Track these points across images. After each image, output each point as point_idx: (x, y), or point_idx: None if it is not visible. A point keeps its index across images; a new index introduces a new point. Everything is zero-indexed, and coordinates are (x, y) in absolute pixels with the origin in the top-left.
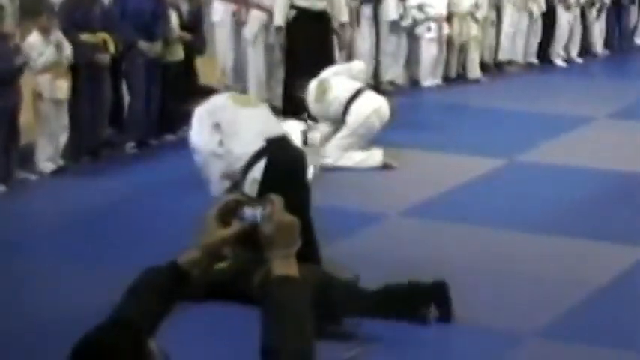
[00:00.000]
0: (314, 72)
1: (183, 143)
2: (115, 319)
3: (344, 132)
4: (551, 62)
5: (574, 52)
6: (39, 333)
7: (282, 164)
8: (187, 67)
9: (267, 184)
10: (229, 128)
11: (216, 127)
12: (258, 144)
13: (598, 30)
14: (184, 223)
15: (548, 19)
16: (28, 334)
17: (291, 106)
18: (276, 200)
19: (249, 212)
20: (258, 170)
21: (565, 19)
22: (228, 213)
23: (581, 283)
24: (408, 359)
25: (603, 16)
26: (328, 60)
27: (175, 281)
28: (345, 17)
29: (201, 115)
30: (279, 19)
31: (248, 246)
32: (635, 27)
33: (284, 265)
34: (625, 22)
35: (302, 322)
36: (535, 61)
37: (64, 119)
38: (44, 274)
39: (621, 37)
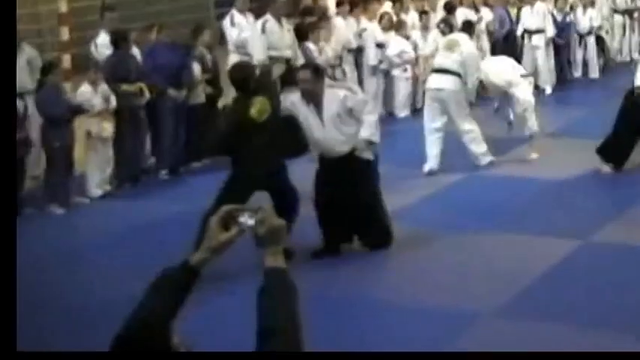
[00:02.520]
0: None
1: (206, 169)
2: (143, 317)
3: None
4: None
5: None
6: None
7: None
8: (209, 106)
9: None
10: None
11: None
12: None
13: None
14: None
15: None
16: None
17: None
18: (268, 208)
19: (245, 218)
20: None
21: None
22: (228, 220)
23: (525, 271)
24: (368, 341)
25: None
26: None
27: (188, 278)
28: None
29: None
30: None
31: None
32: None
33: (274, 259)
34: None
35: (290, 306)
36: None
37: (109, 153)
38: (98, 277)
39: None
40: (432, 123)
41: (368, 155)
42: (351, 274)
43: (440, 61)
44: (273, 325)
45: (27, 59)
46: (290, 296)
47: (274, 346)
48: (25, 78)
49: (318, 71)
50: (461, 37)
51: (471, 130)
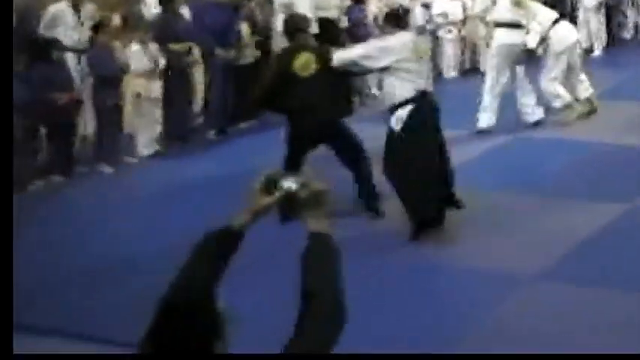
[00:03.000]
0: None
1: (254, 129)
2: (188, 281)
3: None
4: None
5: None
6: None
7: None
8: (258, 67)
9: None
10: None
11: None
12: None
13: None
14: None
15: None
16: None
17: None
18: (309, 172)
19: (287, 182)
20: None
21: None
22: (270, 183)
23: (572, 234)
24: (412, 303)
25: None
26: None
27: (231, 240)
28: None
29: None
30: None
31: (286, 209)
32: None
33: (317, 223)
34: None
35: (334, 269)
36: None
37: (158, 113)
38: (144, 232)
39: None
40: (502, 78)
41: None
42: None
43: (508, 15)
44: (316, 287)
45: (89, 16)
46: (334, 260)
47: (317, 309)
48: (84, 35)
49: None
50: None
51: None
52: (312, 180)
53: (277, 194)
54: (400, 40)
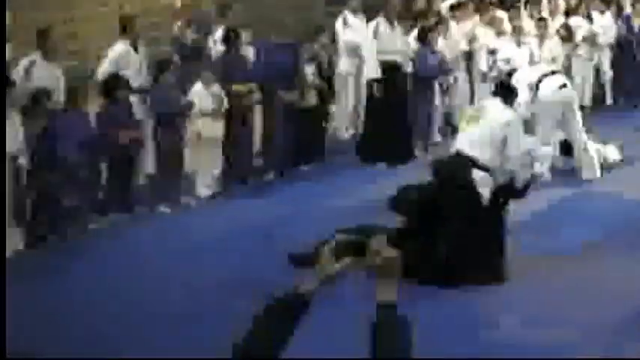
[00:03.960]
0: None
1: (314, 173)
2: (255, 346)
3: None
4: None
5: None
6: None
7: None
8: (321, 110)
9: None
10: None
11: None
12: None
13: None
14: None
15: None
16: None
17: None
18: (381, 238)
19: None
20: None
21: None
22: (342, 249)
23: None
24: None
25: None
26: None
27: (298, 308)
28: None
29: None
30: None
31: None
32: None
33: (387, 292)
34: None
35: (401, 343)
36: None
37: (219, 153)
38: (203, 278)
39: None
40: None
41: None
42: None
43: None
44: None
45: (144, 55)
46: (402, 333)
47: None
48: (143, 75)
49: None
50: None
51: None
52: (384, 246)
53: (347, 261)
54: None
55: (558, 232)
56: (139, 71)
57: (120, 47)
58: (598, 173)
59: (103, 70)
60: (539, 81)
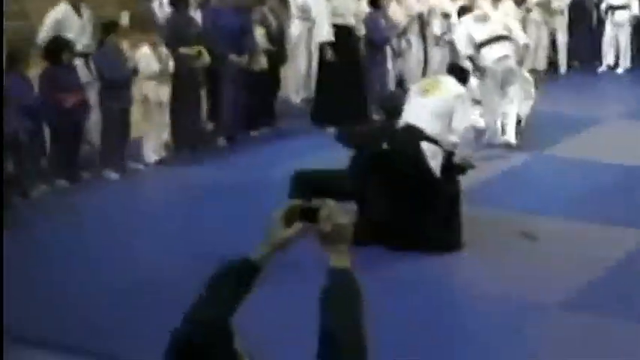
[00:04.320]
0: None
1: (265, 139)
2: (202, 314)
3: None
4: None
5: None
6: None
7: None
8: (271, 74)
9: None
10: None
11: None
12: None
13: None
14: (264, 202)
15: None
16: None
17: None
18: (333, 203)
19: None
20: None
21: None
22: (292, 215)
23: (596, 261)
24: (435, 330)
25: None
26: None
27: (248, 274)
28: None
29: None
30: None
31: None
32: None
33: (339, 258)
34: None
35: (355, 310)
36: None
37: (166, 118)
38: (148, 245)
39: None
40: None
41: None
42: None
43: (496, 28)
44: (336, 329)
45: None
46: (355, 300)
47: (336, 351)
48: (88, 38)
49: None
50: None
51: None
52: (335, 212)
53: (298, 226)
54: None
55: (510, 200)
56: (82, 34)
57: (61, 9)
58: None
59: (44, 33)
60: (482, 45)
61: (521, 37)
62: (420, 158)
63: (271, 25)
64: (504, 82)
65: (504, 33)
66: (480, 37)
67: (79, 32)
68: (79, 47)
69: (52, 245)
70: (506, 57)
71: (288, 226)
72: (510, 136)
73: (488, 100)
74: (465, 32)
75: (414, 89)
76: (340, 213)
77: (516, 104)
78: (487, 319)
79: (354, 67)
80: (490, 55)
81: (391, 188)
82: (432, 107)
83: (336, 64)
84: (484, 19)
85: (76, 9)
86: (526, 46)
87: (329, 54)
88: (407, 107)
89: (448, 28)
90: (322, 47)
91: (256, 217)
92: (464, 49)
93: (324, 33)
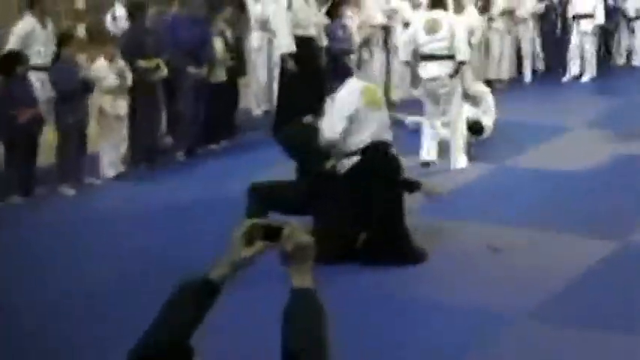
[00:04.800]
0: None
1: (225, 152)
2: (160, 333)
3: None
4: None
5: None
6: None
7: (371, 166)
8: (230, 86)
9: (351, 176)
10: (356, 125)
11: (348, 119)
12: (366, 142)
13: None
14: (224, 217)
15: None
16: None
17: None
18: (294, 223)
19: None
20: (350, 162)
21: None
22: (253, 233)
23: (561, 271)
24: (404, 340)
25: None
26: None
27: (208, 294)
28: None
29: (342, 103)
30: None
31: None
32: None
33: (301, 278)
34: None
35: (318, 329)
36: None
37: (124, 131)
38: (105, 263)
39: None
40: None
41: None
42: (380, 270)
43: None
44: (298, 349)
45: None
46: (318, 319)
47: None
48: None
49: None
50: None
51: None
52: (297, 231)
53: (258, 246)
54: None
55: (474, 211)
56: (48, 46)
57: (27, 23)
58: (465, 162)
59: (12, 45)
60: (421, 57)
61: (461, 53)
62: (399, 171)
63: (227, 36)
64: (441, 101)
65: (444, 53)
66: (422, 49)
67: (45, 44)
68: (45, 60)
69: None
70: (436, 79)
71: (249, 245)
72: (458, 161)
73: (427, 112)
74: (409, 39)
75: (358, 105)
76: (302, 232)
77: (459, 127)
78: (452, 332)
79: (316, 78)
80: (424, 72)
81: (360, 198)
82: (385, 119)
83: (297, 76)
84: (433, 30)
85: (41, 21)
86: (461, 63)
87: (290, 65)
88: (360, 124)
89: None
90: (283, 58)
91: (215, 232)
92: (403, 54)
93: (286, 44)
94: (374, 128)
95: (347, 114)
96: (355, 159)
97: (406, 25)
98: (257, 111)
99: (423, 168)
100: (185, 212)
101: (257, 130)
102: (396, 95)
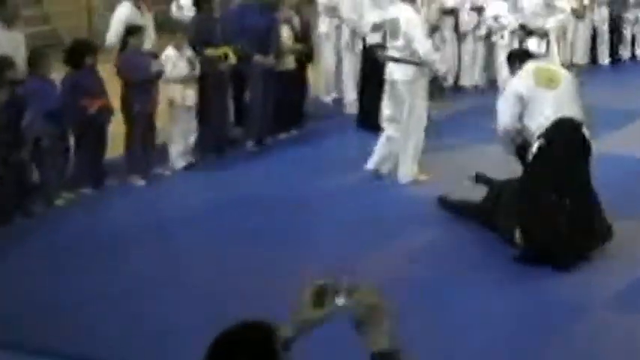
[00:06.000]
0: None
1: (295, 140)
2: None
3: None
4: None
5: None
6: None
7: (556, 148)
8: (299, 74)
9: (539, 161)
10: (532, 107)
11: (519, 103)
12: (548, 122)
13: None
14: (297, 207)
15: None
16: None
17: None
18: (365, 285)
19: (339, 299)
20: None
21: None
22: (322, 294)
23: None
24: (481, 325)
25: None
26: None
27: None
28: None
29: (509, 89)
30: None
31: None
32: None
33: (378, 341)
34: None
35: None
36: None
37: (193, 122)
38: (173, 254)
39: None
40: None
41: None
42: None
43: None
44: None
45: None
46: None
47: None
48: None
49: None
50: None
51: None
52: (367, 291)
53: (327, 309)
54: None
55: None
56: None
57: (125, 9)
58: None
59: (113, 35)
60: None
61: (420, 49)
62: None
63: (294, 24)
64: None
65: (400, 55)
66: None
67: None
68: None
69: (73, 254)
70: (391, 82)
71: (319, 306)
72: (403, 174)
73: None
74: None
75: (517, 85)
76: (372, 293)
77: (412, 137)
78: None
79: None
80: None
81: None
82: (567, 96)
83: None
84: (394, 34)
85: (138, 7)
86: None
87: (380, 55)
88: (534, 105)
89: (481, 22)
90: (371, 49)
91: (282, 227)
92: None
93: (373, 35)
94: (554, 107)
95: (513, 99)
96: (541, 141)
97: (476, 9)
98: (327, 98)
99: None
100: (253, 204)
101: (327, 118)
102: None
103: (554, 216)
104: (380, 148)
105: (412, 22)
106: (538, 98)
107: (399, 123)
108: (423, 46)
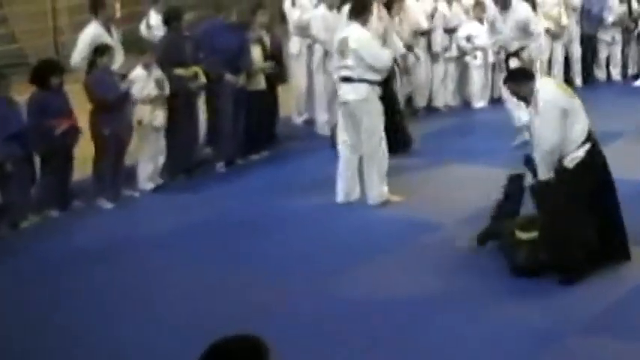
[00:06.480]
0: None
1: (266, 161)
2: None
3: None
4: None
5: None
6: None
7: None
8: (270, 94)
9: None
10: (571, 119)
11: (564, 113)
12: (585, 132)
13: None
14: (267, 228)
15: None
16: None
17: None
18: None
19: None
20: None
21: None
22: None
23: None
24: (453, 352)
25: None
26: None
27: None
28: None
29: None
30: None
31: None
32: None
33: None
34: None
35: None
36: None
37: (162, 143)
38: (142, 276)
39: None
40: None
41: None
42: None
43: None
44: None
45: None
46: None
47: None
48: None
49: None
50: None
51: None
52: None
53: None
54: None
55: None
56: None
57: (93, 29)
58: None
59: (81, 54)
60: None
61: (377, 64)
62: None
63: (265, 43)
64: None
65: (352, 74)
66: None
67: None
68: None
69: (38, 278)
70: (344, 103)
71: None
72: (372, 198)
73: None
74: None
75: (556, 99)
76: None
77: (374, 159)
78: (501, 347)
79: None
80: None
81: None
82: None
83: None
84: (343, 53)
85: (107, 28)
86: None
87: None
88: (573, 115)
89: (453, 42)
90: None
91: (249, 252)
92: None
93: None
94: (584, 114)
95: (559, 114)
96: (582, 152)
97: (451, 30)
98: (298, 119)
99: None
100: (225, 226)
101: (298, 139)
102: (439, 102)
103: (586, 226)
104: (342, 175)
105: (361, 40)
106: (575, 107)
107: (354, 146)
108: (378, 60)
